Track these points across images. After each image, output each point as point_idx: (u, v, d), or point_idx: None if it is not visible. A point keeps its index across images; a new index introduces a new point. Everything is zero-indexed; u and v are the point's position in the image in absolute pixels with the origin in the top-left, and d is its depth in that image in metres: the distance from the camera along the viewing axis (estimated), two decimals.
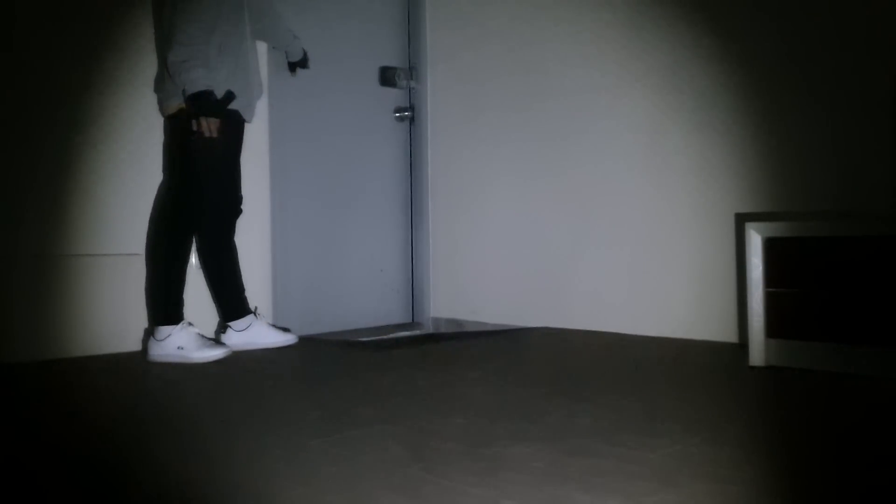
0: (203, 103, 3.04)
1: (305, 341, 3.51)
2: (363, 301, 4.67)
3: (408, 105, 4.36)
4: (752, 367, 2.69)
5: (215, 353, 3.11)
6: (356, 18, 4.90)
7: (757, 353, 2.71)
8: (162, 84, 3.22)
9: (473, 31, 4.20)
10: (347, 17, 4.75)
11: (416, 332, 4.22)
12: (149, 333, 3.21)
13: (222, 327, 3.40)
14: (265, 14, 3.47)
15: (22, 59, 3.14)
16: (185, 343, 3.08)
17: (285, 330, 3.47)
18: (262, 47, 3.59)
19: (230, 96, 3.11)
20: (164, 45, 3.12)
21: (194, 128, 3.07)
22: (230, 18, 3.15)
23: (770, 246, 2.70)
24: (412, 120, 4.43)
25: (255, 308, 3.41)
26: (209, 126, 3.07)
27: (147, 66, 3.38)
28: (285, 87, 3.74)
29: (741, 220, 3.15)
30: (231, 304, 3.37)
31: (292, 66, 3.70)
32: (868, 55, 2.89)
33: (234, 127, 3.21)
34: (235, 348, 3.25)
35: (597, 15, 3.70)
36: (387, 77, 4.19)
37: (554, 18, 3.86)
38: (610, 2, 3.65)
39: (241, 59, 3.20)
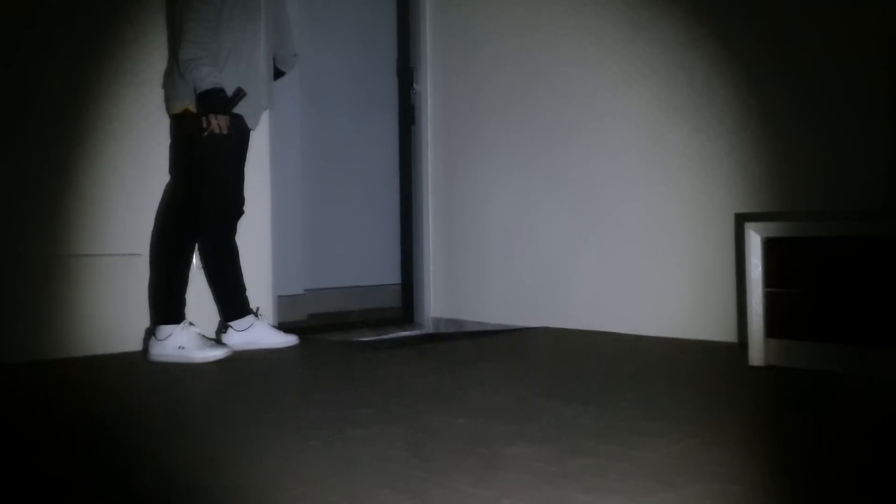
0: (212, 100, 3.04)
1: (306, 342, 3.52)
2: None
3: None
4: (752, 367, 2.70)
5: (216, 353, 3.11)
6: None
7: (756, 352, 2.71)
8: (170, 80, 3.22)
9: (473, 32, 4.20)
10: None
11: (416, 332, 4.22)
12: (149, 333, 3.21)
13: (223, 327, 3.40)
14: (285, 27, 3.44)
15: (22, 58, 3.14)
16: (186, 343, 3.08)
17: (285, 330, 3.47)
18: None
19: (240, 93, 3.10)
20: (174, 43, 3.13)
21: (204, 125, 3.07)
22: (243, 21, 3.14)
23: (769, 246, 2.70)
24: (413, 121, 4.43)
25: (257, 308, 3.41)
26: (218, 123, 3.07)
27: (148, 66, 3.38)
28: (286, 89, 3.74)
29: (740, 221, 3.15)
30: (232, 303, 3.37)
31: (277, 75, 3.67)
32: (865, 56, 2.89)
33: (240, 129, 3.20)
34: (236, 348, 3.25)
35: (597, 15, 3.70)
36: None
37: (554, 19, 3.86)
38: (610, 2, 3.66)
39: (253, 65, 3.19)
